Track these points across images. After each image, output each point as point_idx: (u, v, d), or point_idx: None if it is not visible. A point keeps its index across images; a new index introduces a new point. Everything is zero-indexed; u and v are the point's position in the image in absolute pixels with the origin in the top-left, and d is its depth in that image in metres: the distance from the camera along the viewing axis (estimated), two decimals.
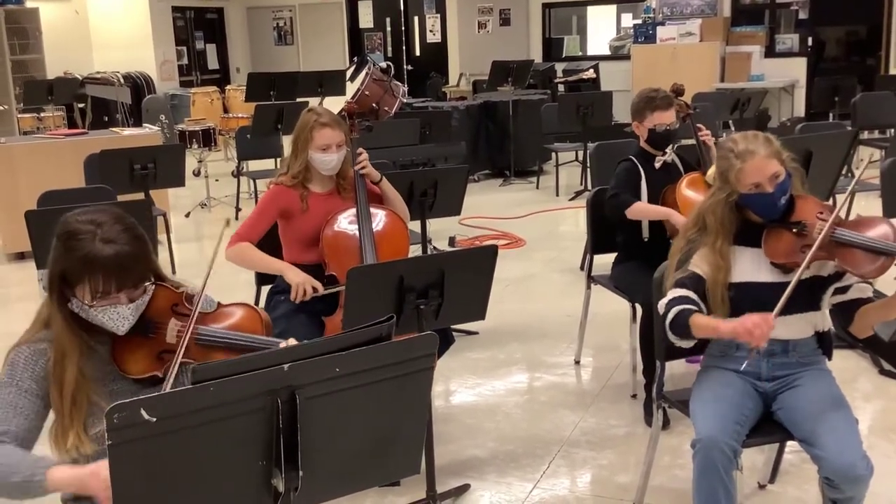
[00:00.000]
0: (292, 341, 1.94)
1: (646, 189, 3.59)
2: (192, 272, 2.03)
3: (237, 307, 2.05)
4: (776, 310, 2.26)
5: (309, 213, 3.26)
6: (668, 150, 3.66)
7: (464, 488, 3.08)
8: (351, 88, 9.06)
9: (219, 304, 2.06)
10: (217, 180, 8.98)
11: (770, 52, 11.90)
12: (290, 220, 3.27)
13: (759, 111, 9.88)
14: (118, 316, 1.85)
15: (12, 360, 1.86)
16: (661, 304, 2.50)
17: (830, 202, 4.44)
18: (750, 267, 2.48)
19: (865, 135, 8.68)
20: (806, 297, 2.42)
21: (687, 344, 2.49)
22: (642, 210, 3.53)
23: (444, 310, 2.74)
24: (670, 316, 2.43)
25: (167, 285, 1.97)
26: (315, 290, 3.12)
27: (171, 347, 1.92)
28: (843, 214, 2.44)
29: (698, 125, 3.74)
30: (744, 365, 2.34)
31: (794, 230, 2.42)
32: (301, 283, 3.11)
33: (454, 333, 3.42)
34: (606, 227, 3.81)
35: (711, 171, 2.82)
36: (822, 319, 2.52)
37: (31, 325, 1.93)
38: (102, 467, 1.58)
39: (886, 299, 2.36)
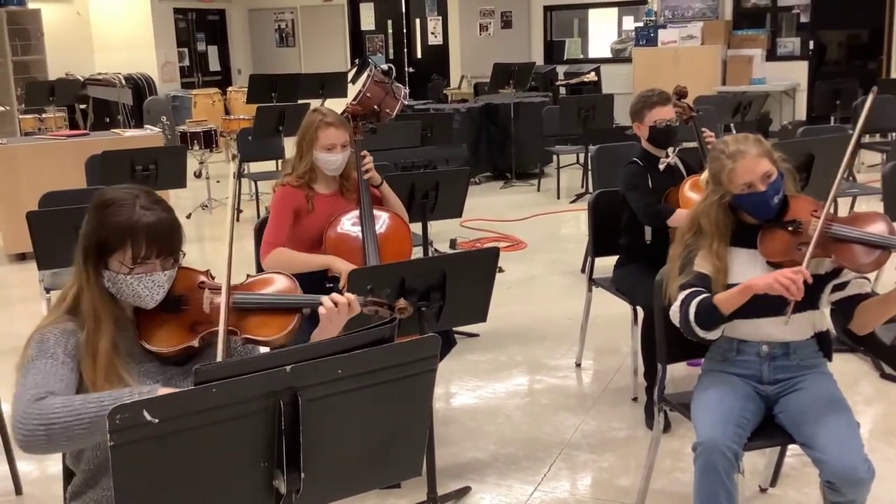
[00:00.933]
0: (336, 295, 1.95)
1: (651, 188, 3.58)
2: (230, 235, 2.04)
3: (269, 275, 2.08)
4: (805, 261, 2.26)
5: (314, 213, 3.26)
6: (671, 152, 3.66)
7: (464, 491, 3.08)
8: (352, 90, 9.06)
9: (248, 276, 2.09)
10: (218, 182, 8.98)
11: (771, 55, 11.92)
12: (297, 221, 3.27)
13: (761, 115, 9.88)
14: (153, 284, 1.87)
15: (40, 339, 1.83)
16: (675, 311, 2.47)
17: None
18: (746, 268, 2.48)
19: (867, 138, 8.68)
20: (805, 295, 2.42)
21: (715, 335, 2.45)
22: (684, 218, 3.44)
23: (446, 312, 2.74)
24: (693, 310, 2.39)
25: (190, 267, 2.00)
26: None
27: (205, 318, 1.94)
28: (839, 212, 2.44)
29: (703, 129, 3.74)
30: (787, 319, 2.31)
31: (790, 228, 2.43)
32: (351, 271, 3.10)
33: (455, 335, 3.42)
34: (608, 230, 3.81)
35: (705, 175, 2.82)
36: (821, 319, 2.52)
37: (51, 310, 1.93)
38: None
39: (886, 294, 2.37)
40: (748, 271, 2.47)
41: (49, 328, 1.86)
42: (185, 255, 1.95)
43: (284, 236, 3.24)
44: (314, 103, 7.70)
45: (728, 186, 2.45)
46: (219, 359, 1.83)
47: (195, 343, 1.92)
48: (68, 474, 1.98)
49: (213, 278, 1.99)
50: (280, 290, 2.04)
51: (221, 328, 1.87)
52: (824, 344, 2.55)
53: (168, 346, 1.91)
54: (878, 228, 2.39)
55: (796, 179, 2.59)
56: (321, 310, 1.96)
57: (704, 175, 2.90)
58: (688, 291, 2.44)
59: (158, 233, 1.86)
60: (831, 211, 2.46)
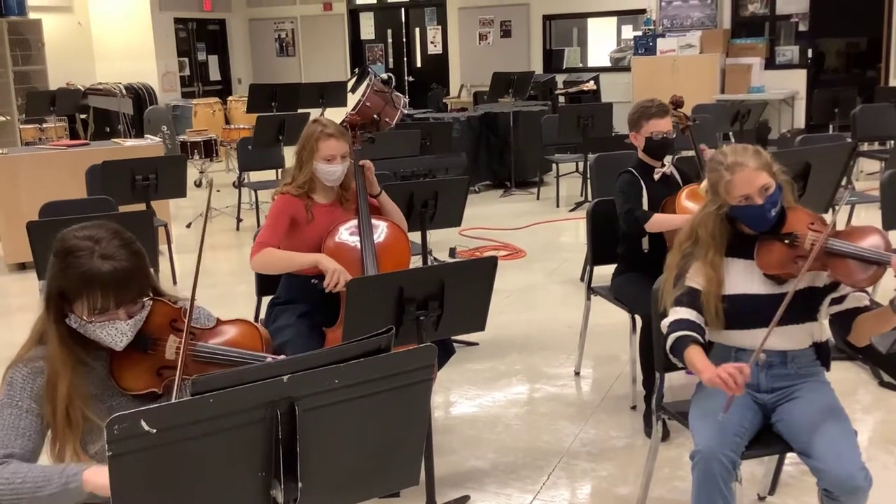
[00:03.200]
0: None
1: (646, 200, 3.60)
2: (190, 281, 2.03)
3: (236, 323, 2.04)
4: (753, 358, 2.28)
5: (314, 223, 3.26)
6: (667, 161, 3.67)
7: (464, 499, 3.08)
8: (352, 100, 9.08)
9: (218, 319, 2.05)
10: (218, 191, 9.00)
11: (770, 63, 11.93)
12: (295, 230, 3.28)
13: (759, 123, 9.89)
14: (116, 332, 1.85)
15: (10, 380, 1.86)
16: (664, 325, 2.51)
17: (829, 214, 4.46)
18: (743, 279, 2.49)
19: (865, 147, 8.70)
20: (803, 307, 2.43)
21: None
22: (662, 222, 3.49)
23: (444, 321, 2.75)
24: (670, 342, 2.46)
25: (165, 301, 1.97)
26: (347, 280, 3.09)
27: (170, 364, 1.92)
28: (839, 223, 2.45)
29: (702, 146, 3.74)
30: (720, 416, 2.29)
31: (787, 241, 2.43)
32: (337, 269, 3.10)
33: (454, 344, 3.42)
34: (606, 239, 3.81)
35: (704, 184, 2.84)
36: (820, 330, 2.53)
37: (27, 340, 1.93)
38: None
39: (880, 310, 2.37)
40: (746, 281, 2.48)
41: (20, 366, 1.87)
42: (150, 298, 1.91)
43: (277, 239, 3.25)
44: (314, 112, 7.73)
45: (725, 198, 2.46)
46: None
47: (158, 390, 1.91)
48: None
49: (185, 316, 1.93)
50: (242, 342, 2.00)
51: (177, 382, 1.85)
52: (822, 353, 2.55)
53: (134, 387, 1.91)
54: (874, 243, 2.39)
55: (794, 191, 2.60)
56: None
57: (704, 184, 2.91)
58: (679, 317, 2.48)
59: (115, 284, 1.81)
60: (828, 221, 2.47)
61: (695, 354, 2.40)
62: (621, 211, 3.58)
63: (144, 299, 1.89)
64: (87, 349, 1.91)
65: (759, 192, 2.42)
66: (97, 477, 1.71)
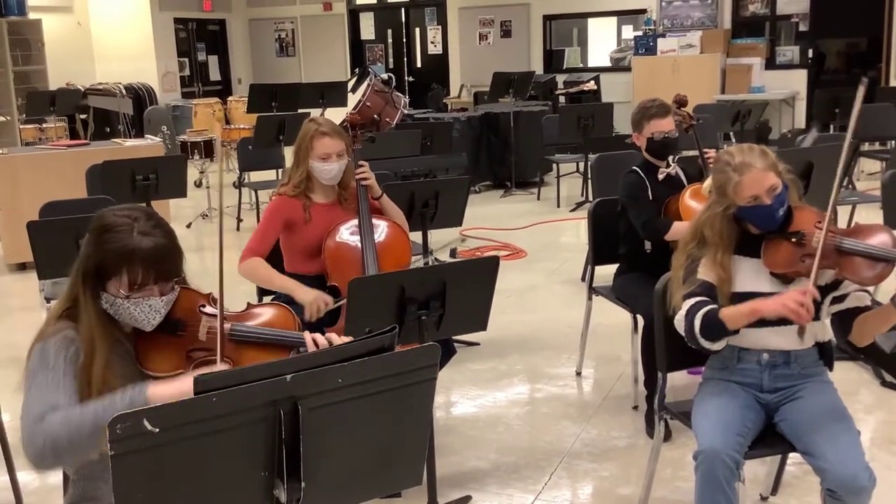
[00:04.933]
0: (333, 336, 1.93)
1: (650, 200, 3.58)
2: (194, 283, 2.03)
3: (269, 306, 2.07)
4: (812, 276, 2.26)
5: (312, 223, 3.26)
6: (671, 160, 3.67)
7: (465, 500, 3.08)
8: (352, 100, 9.08)
9: (248, 304, 2.08)
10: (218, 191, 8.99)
11: (770, 63, 11.94)
12: (293, 231, 3.27)
13: (760, 123, 9.90)
14: (150, 309, 1.87)
15: (41, 349, 1.84)
16: (679, 319, 2.45)
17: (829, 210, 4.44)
18: (751, 277, 2.48)
19: (866, 146, 8.69)
20: None
21: (719, 346, 2.45)
22: (682, 230, 3.44)
23: (446, 321, 2.74)
24: (698, 321, 2.39)
25: (192, 287, 2.00)
26: (326, 304, 3.11)
27: (201, 345, 1.93)
28: (840, 223, 2.44)
29: (706, 150, 3.73)
30: (801, 339, 2.34)
31: (793, 240, 2.43)
32: (313, 301, 3.09)
33: (456, 344, 3.42)
34: (608, 239, 3.81)
35: (707, 183, 2.82)
36: (822, 330, 2.52)
37: (45, 321, 1.94)
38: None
39: (882, 308, 2.37)
40: (753, 280, 2.47)
41: (48, 339, 1.87)
42: (179, 281, 1.93)
43: (266, 246, 3.25)
44: (314, 112, 7.72)
45: (734, 199, 2.44)
46: None
47: (187, 372, 1.91)
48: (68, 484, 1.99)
49: (214, 302, 1.97)
50: (277, 323, 2.02)
51: (218, 361, 1.87)
52: (825, 353, 2.55)
53: (162, 370, 1.91)
54: (882, 241, 2.38)
55: (800, 190, 2.59)
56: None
57: (707, 183, 2.90)
58: (693, 301, 2.44)
59: (155, 259, 1.85)
60: (831, 218, 2.46)
61: (733, 307, 2.35)
62: (638, 221, 3.54)
63: (175, 281, 1.91)
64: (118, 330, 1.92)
65: (767, 193, 2.41)
66: (162, 388, 1.72)
